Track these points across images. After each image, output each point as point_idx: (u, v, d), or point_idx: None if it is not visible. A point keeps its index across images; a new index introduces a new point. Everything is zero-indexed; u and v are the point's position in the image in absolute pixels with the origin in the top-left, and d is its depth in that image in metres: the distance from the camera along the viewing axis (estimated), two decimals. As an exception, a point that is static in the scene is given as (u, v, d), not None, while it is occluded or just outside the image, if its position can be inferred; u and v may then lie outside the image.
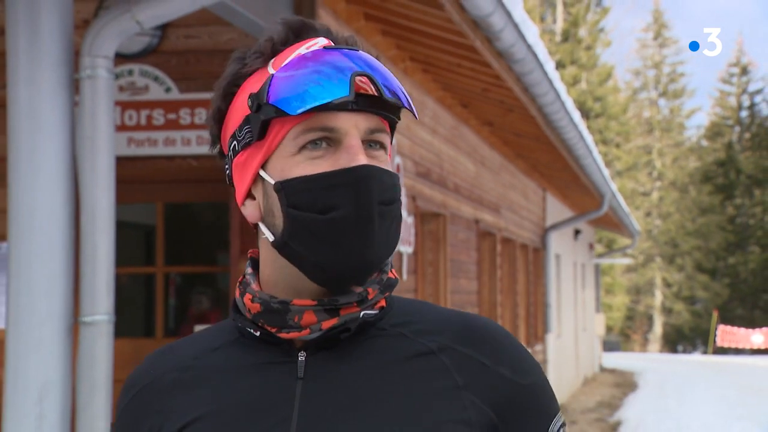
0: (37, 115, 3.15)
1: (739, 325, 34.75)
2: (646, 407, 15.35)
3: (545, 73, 6.93)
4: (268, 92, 1.19)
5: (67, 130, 3.21)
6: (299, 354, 1.22)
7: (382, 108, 1.21)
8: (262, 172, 1.22)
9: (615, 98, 42.77)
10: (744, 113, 47.72)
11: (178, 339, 1.37)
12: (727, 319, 39.77)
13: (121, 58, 5.01)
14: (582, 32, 40.05)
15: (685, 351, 44.60)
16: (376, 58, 1.25)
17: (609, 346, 36.36)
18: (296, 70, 1.19)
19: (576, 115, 9.22)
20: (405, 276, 6.67)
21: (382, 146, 1.23)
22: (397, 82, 1.23)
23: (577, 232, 18.62)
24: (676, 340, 45.75)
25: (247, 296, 1.25)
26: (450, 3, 4.95)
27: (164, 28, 5.34)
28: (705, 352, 38.98)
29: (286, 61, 1.22)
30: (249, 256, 1.31)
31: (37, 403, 3.14)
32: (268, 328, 1.23)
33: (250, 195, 1.26)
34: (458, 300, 8.66)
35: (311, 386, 1.20)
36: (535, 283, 14.10)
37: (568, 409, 15.05)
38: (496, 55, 6.08)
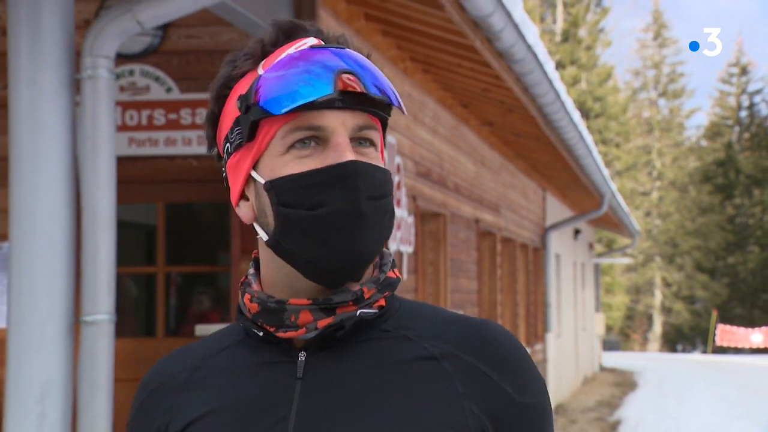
0: (39, 115, 3.16)
1: (739, 325, 34.77)
2: (645, 406, 15.36)
3: (545, 74, 6.94)
4: (255, 93, 1.20)
5: (69, 130, 3.22)
6: (300, 354, 1.23)
7: (371, 105, 1.21)
8: (253, 173, 1.23)
9: (615, 98, 42.76)
10: (743, 113, 47.74)
11: (178, 339, 1.38)
12: (727, 319, 39.77)
13: (122, 58, 5.02)
14: (582, 32, 40.04)
15: (684, 350, 44.60)
16: (368, 55, 1.26)
17: (609, 346, 36.36)
18: (282, 70, 1.19)
19: (576, 115, 9.22)
20: (405, 275, 6.68)
21: (372, 143, 1.23)
22: (385, 79, 1.23)
23: (576, 232, 18.63)
24: (676, 340, 45.76)
25: (247, 296, 1.26)
26: (450, 3, 4.96)
27: (165, 29, 5.35)
28: (704, 352, 38.96)
29: (274, 62, 1.23)
30: (253, 256, 1.32)
31: (38, 402, 3.15)
32: (267, 328, 1.24)
33: (243, 196, 1.27)
34: (458, 299, 8.67)
35: (310, 386, 1.21)
36: (535, 283, 14.11)
37: (567, 408, 15.06)
38: (496, 56, 6.09)
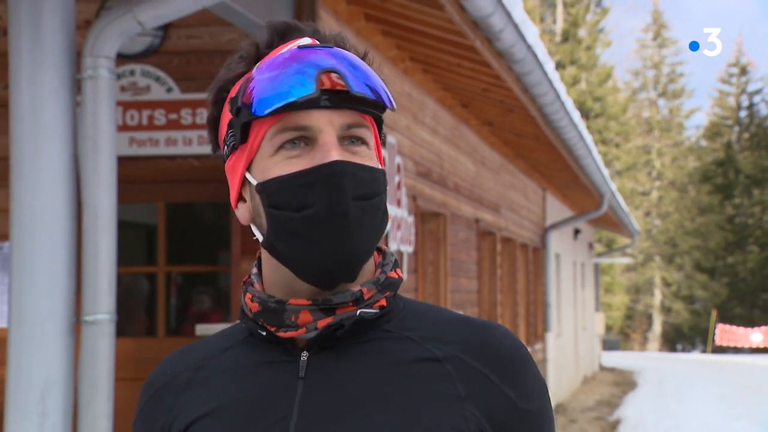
0: (39, 115, 3.16)
1: (738, 324, 34.78)
2: (645, 406, 15.36)
3: (545, 74, 6.94)
4: (243, 95, 1.20)
5: (69, 130, 3.22)
6: (302, 354, 1.23)
7: (359, 103, 1.21)
8: (247, 175, 1.24)
9: (614, 98, 42.77)
10: (743, 113, 47.74)
11: (178, 339, 1.40)
12: (726, 318, 39.78)
13: (122, 58, 5.02)
14: (582, 32, 40.05)
15: (684, 350, 44.61)
16: (365, 54, 1.25)
17: (608, 345, 36.36)
18: (269, 72, 1.19)
19: (576, 115, 9.23)
20: (405, 275, 6.68)
21: (364, 141, 1.22)
22: (375, 76, 1.22)
23: (576, 232, 18.63)
24: (676, 339, 45.76)
25: (248, 296, 1.27)
26: (450, 3, 4.96)
27: (166, 29, 5.35)
28: (704, 351, 38.97)
29: (263, 64, 1.23)
30: (256, 256, 1.33)
31: (39, 402, 3.15)
32: (268, 327, 1.24)
33: (241, 197, 1.27)
34: (458, 299, 8.67)
35: (312, 386, 1.21)
36: (534, 283, 14.12)
37: (567, 408, 15.07)
38: (496, 56, 6.09)
